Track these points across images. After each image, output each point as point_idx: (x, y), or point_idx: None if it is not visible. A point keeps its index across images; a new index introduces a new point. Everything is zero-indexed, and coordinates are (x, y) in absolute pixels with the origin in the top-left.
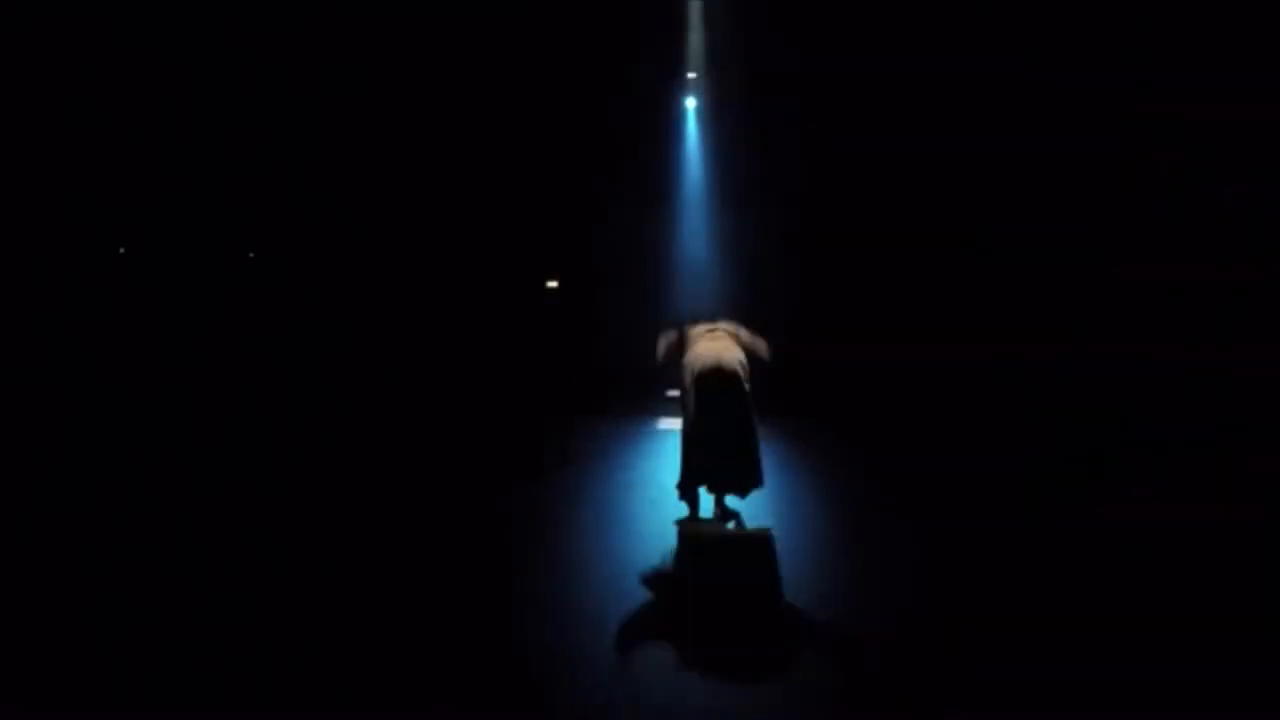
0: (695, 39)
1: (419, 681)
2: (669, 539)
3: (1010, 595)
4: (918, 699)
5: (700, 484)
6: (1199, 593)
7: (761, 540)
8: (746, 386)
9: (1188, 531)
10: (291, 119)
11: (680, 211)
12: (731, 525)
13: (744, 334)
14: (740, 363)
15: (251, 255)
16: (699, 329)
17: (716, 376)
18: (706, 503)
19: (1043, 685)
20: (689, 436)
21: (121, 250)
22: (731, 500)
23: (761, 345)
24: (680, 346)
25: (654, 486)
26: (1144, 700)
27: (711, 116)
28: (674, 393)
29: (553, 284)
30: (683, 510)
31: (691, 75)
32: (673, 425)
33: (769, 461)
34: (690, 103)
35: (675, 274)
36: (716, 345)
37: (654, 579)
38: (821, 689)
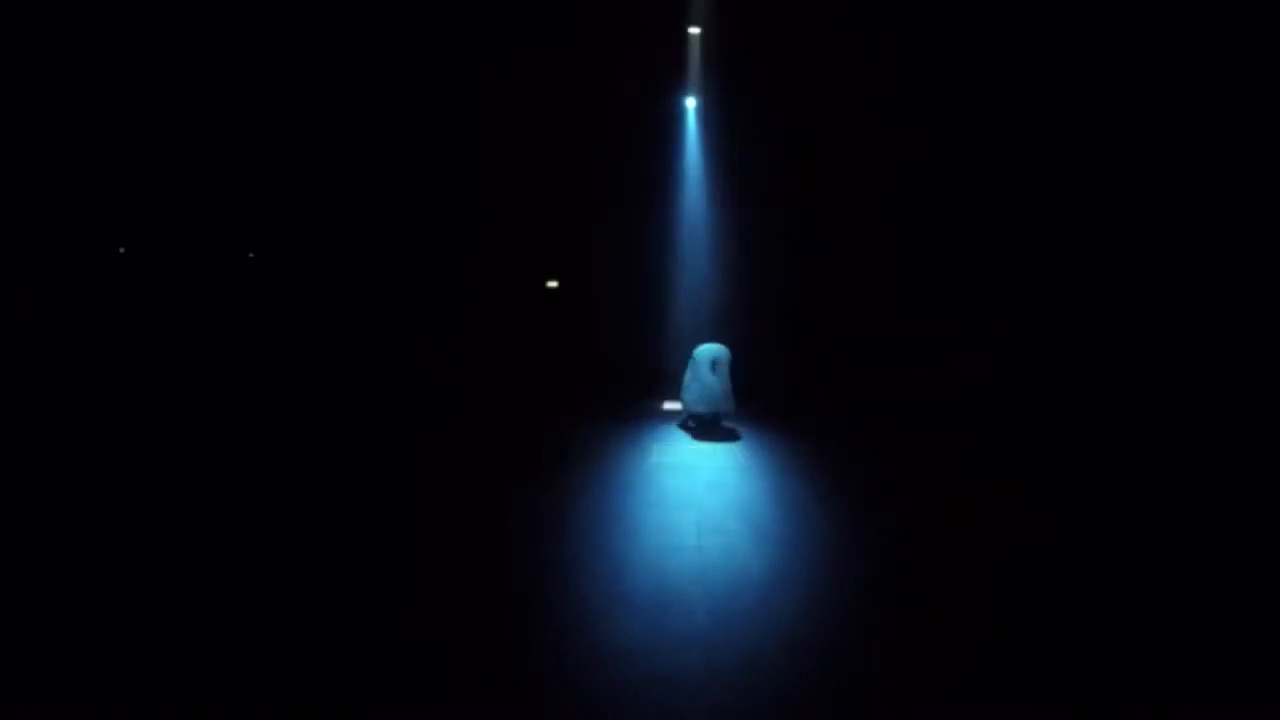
0: (695, 41)
1: (416, 680)
2: (666, 538)
3: (1008, 596)
4: (915, 698)
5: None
6: (1198, 594)
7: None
8: (724, 368)
9: (1180, 536)
10: (292, 119)
11: (680, 211)
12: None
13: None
14: (723, 355)
15: (251, 255)
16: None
17: (711, 359)
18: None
19: (1040, 684)
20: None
21: (121, 250)
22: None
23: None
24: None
25: (652, 487)
26: (1143, 700)
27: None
28: (670, 404)
29: (553, 284)
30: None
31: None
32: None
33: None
34: (690, 103)
35: (674, 275)
36: (713, 347)
37: (650, 579)
38: (821, 688)
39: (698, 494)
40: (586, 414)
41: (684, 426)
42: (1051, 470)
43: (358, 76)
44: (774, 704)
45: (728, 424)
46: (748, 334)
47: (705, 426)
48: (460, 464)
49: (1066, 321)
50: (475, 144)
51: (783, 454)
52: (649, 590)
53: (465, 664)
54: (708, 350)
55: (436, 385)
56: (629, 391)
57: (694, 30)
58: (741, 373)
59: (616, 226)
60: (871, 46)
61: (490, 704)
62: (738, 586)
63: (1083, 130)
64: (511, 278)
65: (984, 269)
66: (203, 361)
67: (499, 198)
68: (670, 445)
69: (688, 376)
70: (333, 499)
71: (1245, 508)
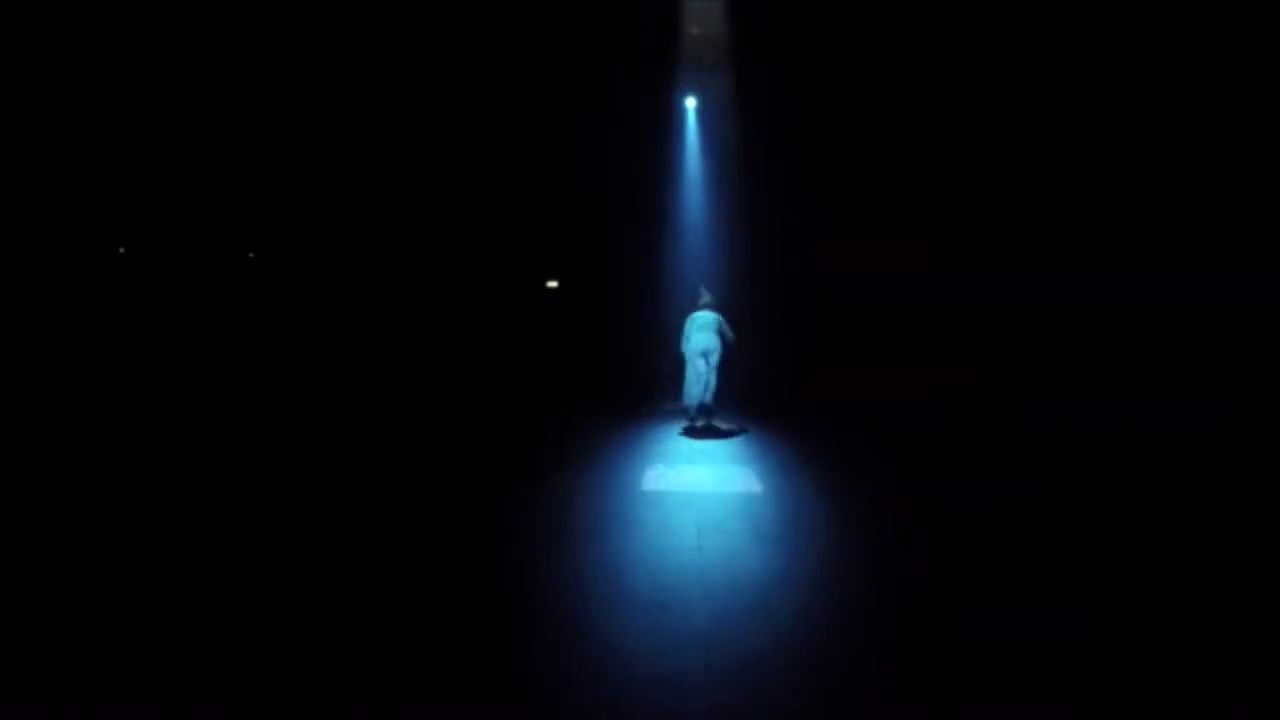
0: (693, 41)
1: (416, 680)
2: (666, 538)
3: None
4: (915, 696)
5: (689, 404)
6: (1196, 608)
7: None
8: (716, 358)
9: (1182, 537)
10: (292, 119)
11: (680, 211)
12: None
13: (723, 325)
14: (714, 345)
15: (251, 255)
16: (697, 312)
17: (701, 352)
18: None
19: (1040, 684)
20: (685, 379)
21: (121, 250)
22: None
23: (728, 333)
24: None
25: (652, 487)
26: (1144, 701)
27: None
28: (670, 405)
29: (553, 284)
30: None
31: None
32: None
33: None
34: (690, 102)
35: (674, 274)
36: (703, 335)
37: (649, 579)
38: (821, 688)
39: (698, 494)
40: (587, 414)
41: (684, 428)
42: (1052, 470)
43: (354, 74)
44: (774, 704)
45: (729, 424)
46: (747, 333)
47: (704, 428)
48: (461, 464)
49: (1067, 322)
50: (475, 145)
51: (783, 454)
52: (649, 590)
53: (465, 664)
54: (698, 340)
55: (436, 385)
56: (629, 391)
57: (694, 30)
58: (743, 372)
59: (616, 226)
60: (871, 46)
61: (490, 704)
62: (738, 586)
63: (1084, 133)
64: (510, 278)
65: (986, 267)
66: (203, 362)
67: (499, 199)
68: (670, 445)
69: (687, 373)
70: (333, 499)
71: (1246, 511)
